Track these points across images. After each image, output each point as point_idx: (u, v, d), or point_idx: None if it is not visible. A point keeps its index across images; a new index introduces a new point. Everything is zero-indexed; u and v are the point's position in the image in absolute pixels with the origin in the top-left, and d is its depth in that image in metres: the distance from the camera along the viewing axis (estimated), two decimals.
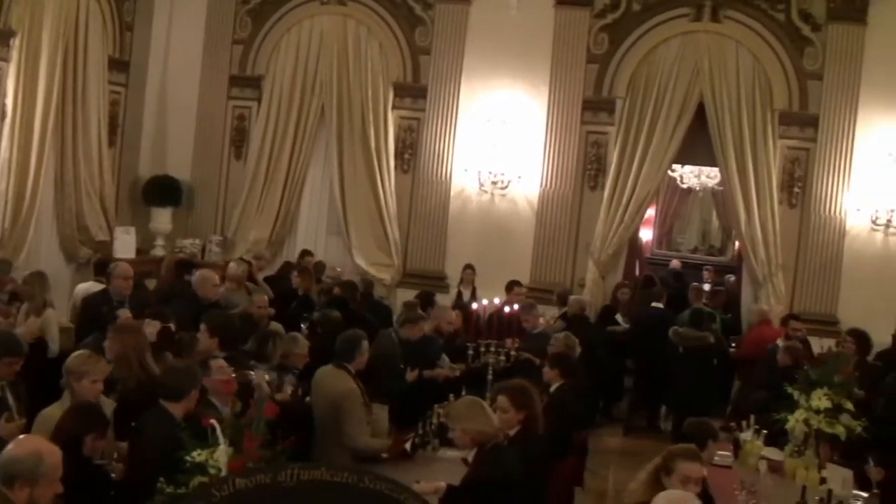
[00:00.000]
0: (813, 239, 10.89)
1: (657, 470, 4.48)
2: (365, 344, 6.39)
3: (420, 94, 11.52)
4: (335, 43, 11.55)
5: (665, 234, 16.02)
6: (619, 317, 10.65)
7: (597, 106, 11.23)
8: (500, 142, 11.26)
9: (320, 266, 11.04)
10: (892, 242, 10.84)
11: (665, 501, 3.65)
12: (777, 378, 7.48)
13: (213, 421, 3.97)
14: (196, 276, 8.36)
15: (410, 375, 7.66)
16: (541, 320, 9.51)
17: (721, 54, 10.95)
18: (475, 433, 4.84)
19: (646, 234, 14.30)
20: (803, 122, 10.94)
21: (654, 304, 10.61)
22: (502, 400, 5.38)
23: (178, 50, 11.98)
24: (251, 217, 11.78)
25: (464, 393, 7.00)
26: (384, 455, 5.87)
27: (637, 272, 12.36)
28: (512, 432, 5.29)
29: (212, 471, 3.80)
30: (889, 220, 10.77)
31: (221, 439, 3.88)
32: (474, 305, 10.56)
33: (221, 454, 3.84)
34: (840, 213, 10.85)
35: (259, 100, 11.90)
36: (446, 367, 8.22)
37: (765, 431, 6.81)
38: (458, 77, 11.42)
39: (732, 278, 12.60)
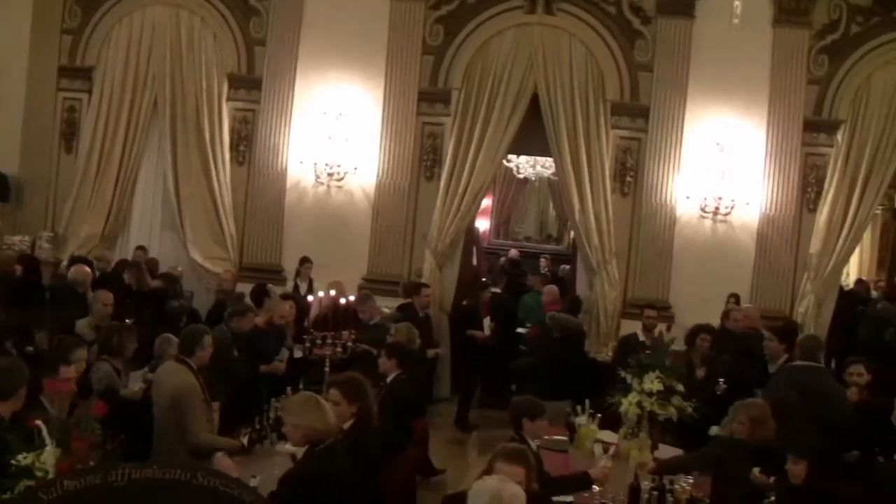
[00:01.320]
0: (645, 226, 12.20)
1: (484, 472, 4.77)
2: (207, 339, 6.76)
3: (255, 85, 12.49)
4: (168, 34, 12.47)
5: (503, 223, 17.24)
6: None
7: (432, 97, 12.36)
8: (335, 134, 12.29)
9: (153, 262, 11.84)
10: (720, 229, 12.16)
11: (480, 487, 4.02)
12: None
13: (38, 422, 4.08)
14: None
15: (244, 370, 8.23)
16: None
17: (555, 46, 12.17)
18: (306, 429, 4.99)
19: (483, 224, 15.40)
20: (635, 113, 12.23)
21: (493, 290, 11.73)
22: (334, 393, 5.75)
23: (4, 39, 12.71)
24: (83, 212, 12.56)
25: (301, 387, 7.68)
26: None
27: (475, 262, 13.42)
28: (346, 426, 5.63)
29: (39, 473, 3.86)
30: (717, 208, 12.10)
31: (48, 440, 3.98)
32: (310, 298, 11.45)
33: (49, 456, 3.91)
34: (671, 201, 12.17)
35: (90, 91, 12.73)
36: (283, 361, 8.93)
37: (599, 415, 7.66)
38: (293, 69, 12.42)
39: (568, 267, 13.74)
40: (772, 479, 5.90)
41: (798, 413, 6.87)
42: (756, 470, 6.08)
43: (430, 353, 10.15)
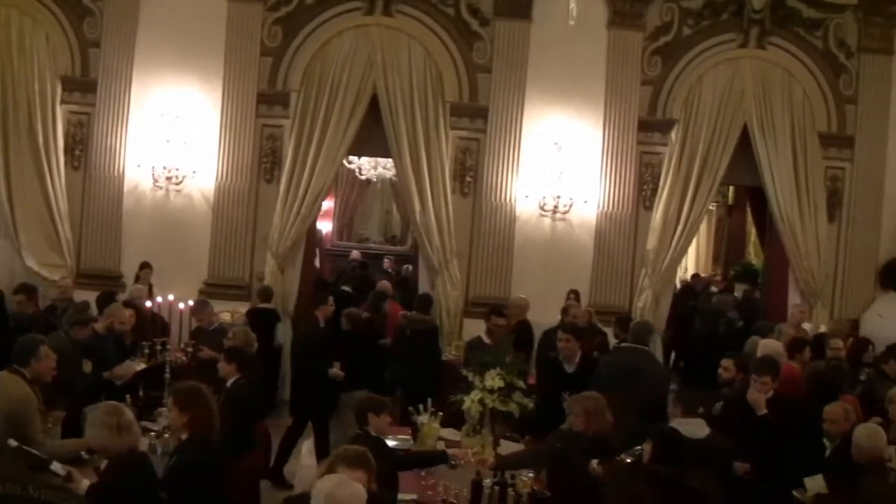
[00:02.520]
0: (485, 226, 13.44)
1: (323, 474, 5.09)
2: (43, 349, 6.97)
3: (90, 88, 13.38)
4: None
5: (346, 225, 18.37)
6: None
7: (271, 99, 13.42)
8: (174, 137, 13.22)
9: None
10: (559, 227, 13.45)
11: (319, 486, 4.40)
12: None
13: None
14: None
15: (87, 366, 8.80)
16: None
17: (393, 48, 13.33)
18: (96, 441, 5.34)
19: (326, 226, 16.46)
20: (473, 114, 13.47)
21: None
22: (170, 401, 6.13)
23: None
24: None
25: (141, 393, 8.42)
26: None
27: (318, 264, 14.44)
28: (183, 436, 6.03)
29: None
30: (556, 206, 13.37)
31: None
32: (148, 304, 12.29)
33: None
34: (510, 201, 13.44)
35: None
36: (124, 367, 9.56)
37: (441, 413, 8.29)
38: (129, 70, 13.32)
39: (410, 267, 14.86)
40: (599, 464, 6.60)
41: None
42: (594, 462, 6.67)
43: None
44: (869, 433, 6.87)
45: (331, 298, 11.13)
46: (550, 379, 9.14)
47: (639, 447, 6.49)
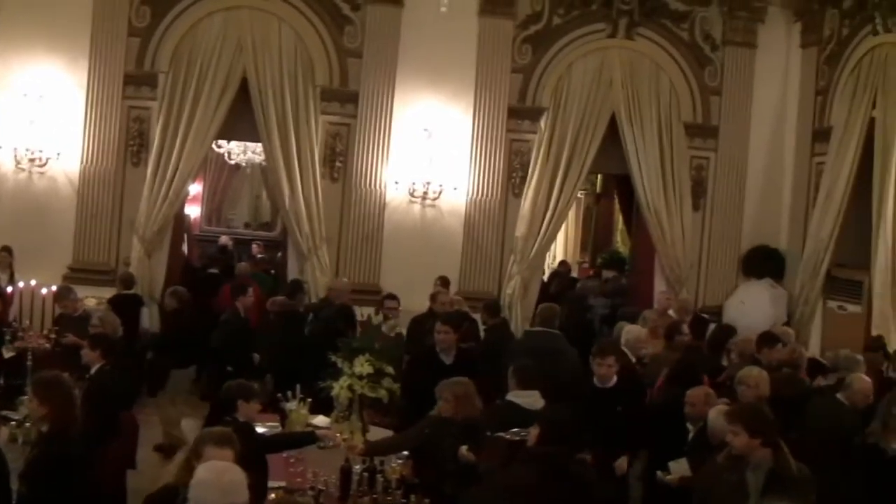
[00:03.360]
0: (355, 212, 14.30)
1: (189, 457, 5.30)
2: None
3: None
4: None
5: (215, 210, 19.09)
6: None
7: (139, 80, 14.06)
8: (37, 117, 13.70)
9: None
10: (428, 214, 14.34)
11: (205, 471, 4.54)
12: None
13: None
14: None
15: None
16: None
17: (264, 31, 14.09)
18: None
19: (195, 211, 17.16)
20: (344, 99, 14.29)
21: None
22: (30, 391, 6.26)
23: None
24: None
25: (1, 381, 8.90)
26: None
27: (186, 250, 15.11)
28: (44, 428, 6.12)
29: None
30: (425, 193, 14.22)
31: None
32: (10, 289, 12.80)
33: None
34: (380, 187, 14.33)
35: None
36: None
37: (310, 399, 8.68)
38: None
39: (280, 253, 15.64)
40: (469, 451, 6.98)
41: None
42: (464, 448, 7.03)
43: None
44: (717, 414, 7.43)
45: (250, 290, 11.70)
46: (425, 370, 9.01)
47: (516, 429, 6.92)
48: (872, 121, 13.38)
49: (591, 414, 7.84)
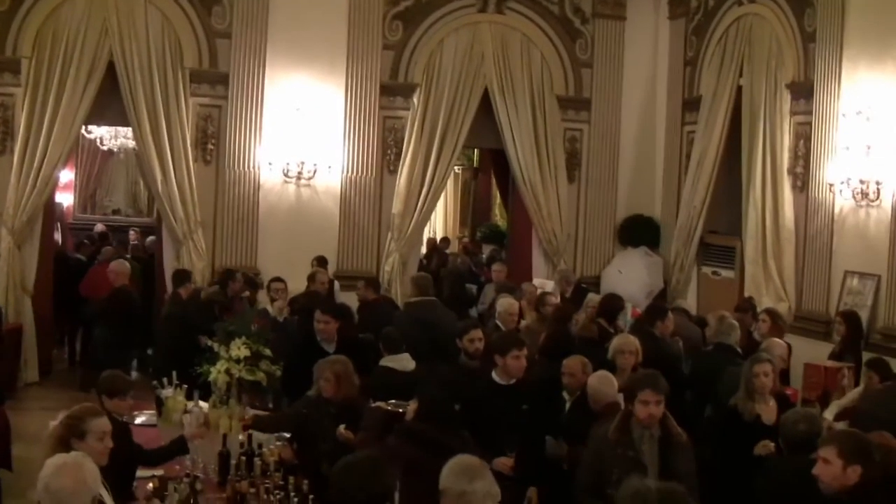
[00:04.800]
0: (229, 194, 15.00)
1: (63, 437, 5.59)
2: None
3: None
4: None
5: (89, 197, 20.12)
6: None
7: (1, 66, 14.36)
8: None
9: None
10: (304, 194, 15.32)
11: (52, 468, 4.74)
12: None
13: None
14: None
15: None
16: None
17: (129, 13, 14.41)
18: None
19: (68, 199, 18.22)
20: (214, 80, 14.98)
21: None
22: None
23: None
24: None
25: None
26: None
27: (59, 238, 16.19)
28: None
29: None
30: (300, 173, 15.21)
31: None
32: None
33: None
34: (254, 168, 15.06)
35: None
36: None
37: (185, 386, 8.79)
38: None
39: (154, 238, 16.77)
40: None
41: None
42: (342, 427, 7.49)
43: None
44: (600, 380, 8.21)
45: (193, 277, 12.80)
46: (307, 359, 9.17)
47: (394, 400, 7.72)
48: (740, 89, 14.46)
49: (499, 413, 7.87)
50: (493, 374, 8.26)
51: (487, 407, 7.89)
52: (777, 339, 10.22)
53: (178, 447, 7.39)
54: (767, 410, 8.16)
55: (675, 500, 4.64)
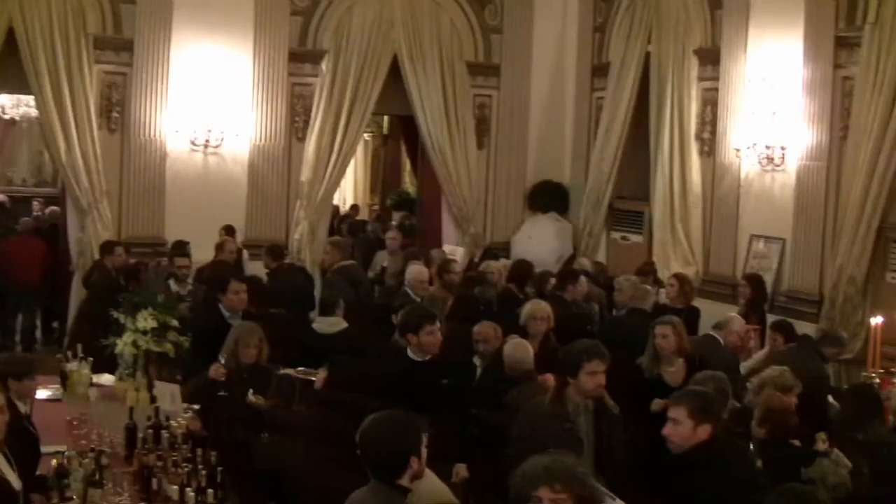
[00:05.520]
0: (135, 163, 14.73)
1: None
2: None
3: None
4: None
5: None
6: None
7: None
8: None
9: None
10: (211, 162, 15.07)
11: None
12: None
13: None
14: None
15: None
16: None
17: None
18: None
19: None
20: (119, 47, 14.65)
21: None
22: None
23: None
24: None
25: None
26: None
27: None
28: None
29: None
30: (207, 141, 14.94)
31: None
32: None
33: None
34: (160, 136, 14.78)
35: None
36: None
37: (91, 358, 8.73)
38: None
39: (57, 209, 16.42)
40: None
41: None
42: (251, 392, 7.63)
43: None
44: (516, 347, 8.28)
45: (119, 249, 12.68)
46: (213, 329, 9.09)
47: (303, 368, 7.73)
48: (648, 55, 14.56)
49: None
50: (409, 352, 7.98)
51: (407, 385, 7.55)
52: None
53: None
54: (673, 372, 8.34)
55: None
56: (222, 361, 8.07)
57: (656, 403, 7.63)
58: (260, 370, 7.93)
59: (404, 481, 4.76)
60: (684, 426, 5.83)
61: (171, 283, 11.25)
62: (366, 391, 7.05)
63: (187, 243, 13.24)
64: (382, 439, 4.77)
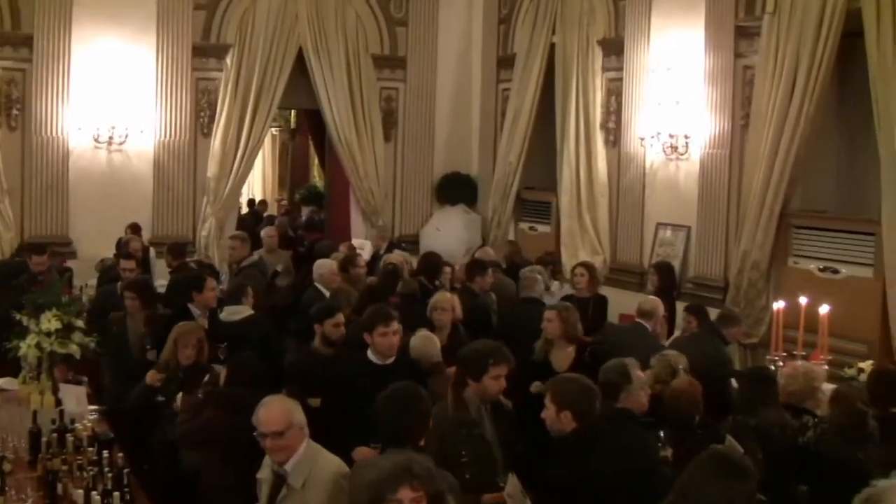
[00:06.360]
0: (37, 161, 14.39)
1: None
2: None
3: None
4: None
5: None
6: None
7: None
8: None
9: None
10: (115, 159, 14.79)
11: None
12: None
13: None
14: None
15: None
16: None
17: None
18: None
19: None
20: (17, 43, 14.28)
21: None
22: None
23: None
24: None
25: None
26: None
27: None
28: None
29: None
30: (111, 137, 14.66)
31: None
32: None
33: None
34: (62, 133, 14.46)
35: None
36: None
37: None
38: None
39: None
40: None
41: None
42: (179, 395, 7.53)
43: None
44: (424, 341, 8.15)
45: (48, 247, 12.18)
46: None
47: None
48: (553, 46, 14.58)
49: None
50: (369, 354, 7.51)
51: (363, 389, 6.86)
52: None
53: None
54: (562, 356, 8.36)
55: None
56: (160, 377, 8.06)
57: (535, 386, 7.66)
58: (198, 370, 7.74)
59: None
60: (550, 411, 5.87)
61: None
62: (264, 378, 6.99)
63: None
64: (394, 413, 5.26)
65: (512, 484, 5.66)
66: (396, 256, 12.44)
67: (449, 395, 6.45)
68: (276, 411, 5.40)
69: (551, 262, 12.79)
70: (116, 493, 5.91)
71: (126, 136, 14.74)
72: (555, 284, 12.43)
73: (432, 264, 11.85)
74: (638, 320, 9.75)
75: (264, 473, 5.57)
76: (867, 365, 8.62)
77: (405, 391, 5.37)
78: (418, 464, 4.16)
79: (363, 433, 6.19)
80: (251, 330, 9.21)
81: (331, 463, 5.45)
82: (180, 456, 7.35)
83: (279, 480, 5.42)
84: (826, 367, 8.86)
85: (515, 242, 14.68)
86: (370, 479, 4.17)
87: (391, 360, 7.46)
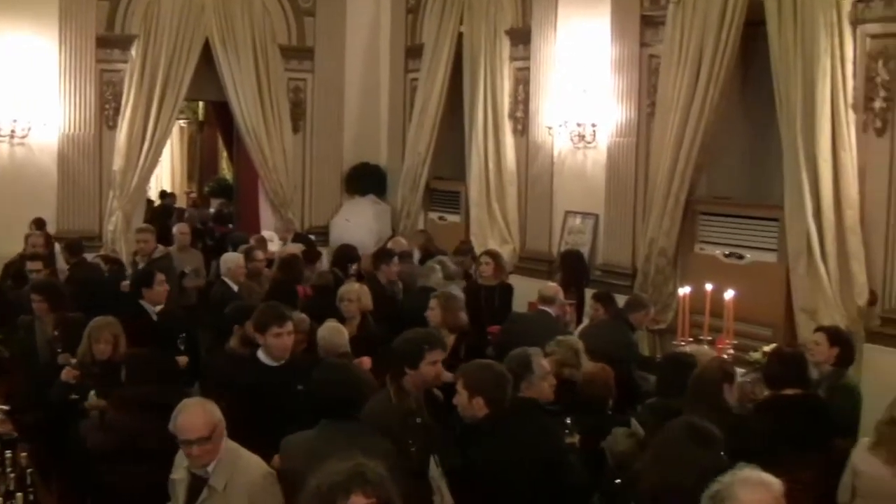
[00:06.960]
0: None
1: None
2: None
3: None
4: None
5: None
6: None
7: None
8: None
9: None
10: (18, 153, 14.33)
11: None
12: None
13: None
14: None
15: None
16: None
17: None
18: None
19: None
20: None
21: None
22: None
23: None
24: None
25: None
26: None
27: None
28: None
29: None
30: (13, 131, 14.18)
31: None
32: None
33: None
34: None
35: None
36: None
37: None
38: None
39: None
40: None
41: None
42: (92, 393, 7.50)
43: None
44: (331, 331, 8.03)
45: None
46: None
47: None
48: (461, 36, 14.59)
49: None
50: (259, 355, 7.17)
51: (261, 392, 6.79)
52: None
53: None
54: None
55: None
56: (73, 362, 7.95)
57: None
58: (114, 366, 7.52)
59: None
60: (462, 397, 5.87)
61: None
62: (163, 374, 7.00)
63: None
64: (331, 388, 5.46)
65: (432, 467, 5.67)
66: (293, 248, 12.35)
67: (389, 386, 6.35)
68: (200, 417, 5.21)
69: (468, 251, 12.80)
70: (20, 494, 5.79)
71: (29, 129, 14.41)
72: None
73: (346, 256, 11.80)
74: (541, 307, 9.80)
75: (179, 474, 5.43)
76: (771, 348, 8.73)
77: (344, 364, 5.47)
78: (371, 470, 4.06)
79: (265, 435, 5.98)
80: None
81: (253, 463, 5.35)
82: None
83: (198, 482, 5.29)
84: (732, 350, 8.95)
85: (427, 232, 14.64)
86: (321, 484, 4.05)
87: (283, 361, 7.13)
